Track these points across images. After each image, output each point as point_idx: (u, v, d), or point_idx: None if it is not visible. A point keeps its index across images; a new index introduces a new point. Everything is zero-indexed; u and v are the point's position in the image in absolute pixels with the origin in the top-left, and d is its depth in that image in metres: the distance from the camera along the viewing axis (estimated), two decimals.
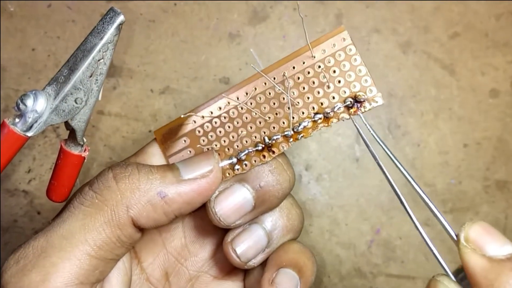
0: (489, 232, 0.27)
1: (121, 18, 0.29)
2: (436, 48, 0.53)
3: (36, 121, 0.29)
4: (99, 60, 0.29)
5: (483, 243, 0.26)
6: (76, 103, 0.30)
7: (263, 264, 0.33)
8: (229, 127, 0.32)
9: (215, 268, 0.37)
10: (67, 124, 0.31)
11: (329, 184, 0.52)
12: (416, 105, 0.52)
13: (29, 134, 0.29)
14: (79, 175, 0.34)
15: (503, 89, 0.52)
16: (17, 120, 0.29)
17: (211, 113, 0.32)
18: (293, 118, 0.31)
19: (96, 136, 0.53)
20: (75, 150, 0.32)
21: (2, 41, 0.55)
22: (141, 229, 0.29)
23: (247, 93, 0.31)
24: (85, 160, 0.33)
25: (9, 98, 0.54)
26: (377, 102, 0.30)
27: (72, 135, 0.32)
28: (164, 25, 0.55)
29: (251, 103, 0.31)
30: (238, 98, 0.31)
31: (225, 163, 0.32)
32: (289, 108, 0.31)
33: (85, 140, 0.32)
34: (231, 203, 0.31)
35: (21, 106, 0.29)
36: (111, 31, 0.29)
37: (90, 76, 0.30)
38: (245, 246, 0.32)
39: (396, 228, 0.51)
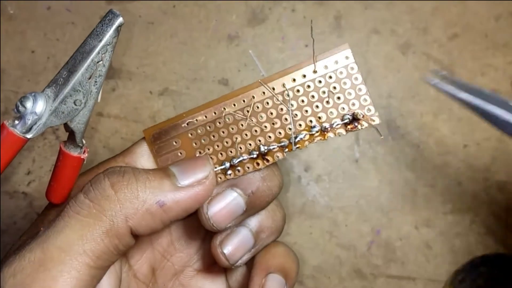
0: None
1: (120, 20, 0.29)
2: (436, 49, 0.53)
3: (35, 123, 0.29)
4: (98, 62, 0.29)
5: None
6: (75, 105, 0.30)
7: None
8: (223, 132, 0.32)
9: (199, 262, 0.38)
10: (66, 126, 0.31)
11: (329, 185, 0.52)
12: (416, 106, 0.52)
13: (29, 136, 0.29)
14: (78, 176, 0.34)
15: (503, 90, 0.52)
16: (16, 122, 0.29)
17: (206, 117, 0.32)
18: (290, 129, 0.31)
19: (95, 138, 0.53)
20: (74, 152, 0.32)
21: (1, 44, 0.55)
22: (136, 236, 0.29)
23: (244, 101, 0.31)
24: (85, 162, 0.33)
25: (8, 100, 0.54)
26: (374, 121, 0.30)
27: (72, 137, 0.32)
28: (163, 27, 0.55)
29: (247, 111, 0.31)
30: (235, 105, 0.31)
31: (219, 168, 0.32)
32: (286, 119, 0.31)
33: (84, 141, 0.32)
34: (224, 209, 0.31)
35: (21, 108, 0.29)
36: (110, 33, 0.29)
37: (89, 78, 0.30)
38: (233, 248, 0.33)
39: (396, 229, 0.51)
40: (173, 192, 0.29)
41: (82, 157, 0.33)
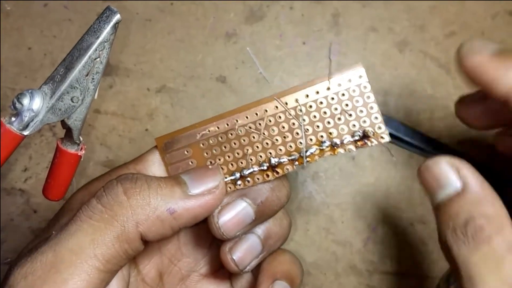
0: None
1: (117, 17, 0.29)
2: (433, 47, 0.53)
3: (32, 120, 0.30)
4: (95, 59, 0.30)
5: None
6: (73, 102, 0.30)
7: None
8: (235, 143, 0.32)
9: (205, 267, 0.39)
10: (63, 123, 0.31)
11: (325, 182, 0.52)
12: (412, 103, 0.52)
13: (26, 133, 0.29)
14: (75, 174, 0.34)
15: None
16: (13, 119, 0.29)
17: (218, 128, 0.32)
18: (300, 143, 0.31)
19: (93, 135, 0.53)
20: (71, 149, 0.32)
21: None
22: (146, 242, 0.30)
23: (257, 114, 0.32)
24: (82, 159, 0.33)
25: (5, 97, 0.54)
26: (384, 138, 0.31)
27: (69, 134, 0.32)
28: (160, 24, 0.55)
29: (260, 124, 0.32)
30: (247, 117, 0.32)
31: (229, 179, 0.32)
32: (297, 133, 0.31)
33: (81, 138, 0.33)
34: (234, 218, 0.32)
35: (18, 105, 0.29)
36: (107, 30, 0.29)
37: (87, 75, 0.30)
38: (242, 254, 0.33)
39: (392, 225, 0.51)
40: (183, 200, 0.29)
41: (79, 154, 0.33)
